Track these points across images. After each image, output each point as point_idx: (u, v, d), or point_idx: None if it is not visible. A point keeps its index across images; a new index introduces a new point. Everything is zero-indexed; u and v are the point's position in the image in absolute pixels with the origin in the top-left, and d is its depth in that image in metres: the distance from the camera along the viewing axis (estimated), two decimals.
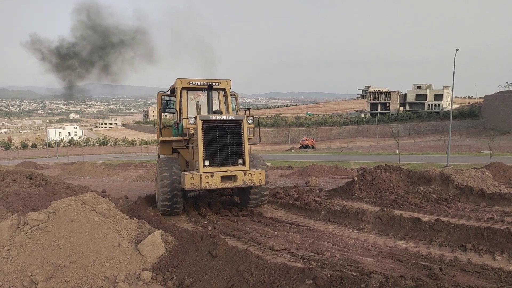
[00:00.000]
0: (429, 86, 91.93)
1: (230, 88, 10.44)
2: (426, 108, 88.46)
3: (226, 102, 10.29)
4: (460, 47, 22.87)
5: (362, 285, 3.67)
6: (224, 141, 8.19)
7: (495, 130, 54.52)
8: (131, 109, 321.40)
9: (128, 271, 4.72)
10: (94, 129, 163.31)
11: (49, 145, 76.76)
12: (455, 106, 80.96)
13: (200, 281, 4.43)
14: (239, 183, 8.06)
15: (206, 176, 7.77)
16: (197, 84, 9.91)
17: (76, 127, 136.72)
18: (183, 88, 9.95)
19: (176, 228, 6.33)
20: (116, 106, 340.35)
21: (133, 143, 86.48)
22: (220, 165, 8.15)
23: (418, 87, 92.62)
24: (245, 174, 8.10)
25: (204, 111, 10.07)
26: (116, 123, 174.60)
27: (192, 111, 10.17)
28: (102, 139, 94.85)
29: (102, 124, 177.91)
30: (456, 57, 22.13)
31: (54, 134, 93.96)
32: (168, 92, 10.98)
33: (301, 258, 5.47)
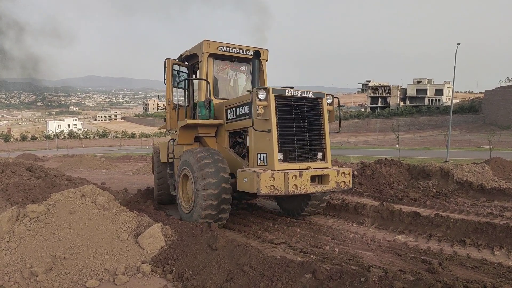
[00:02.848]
0: (429, 81, 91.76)
1: (267, 61, 8.19)
2: (426, 102, 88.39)
3: (254, 81, 7.18)
4: (461, 42, 22.79)
5: (361, 279, 3.67)
6: (301, 126, 6.18)
7: (495, 125, 54.51)
8: (130, 101, 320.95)
9: (128, 264, 4.72)
10: (93, 122, 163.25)
11: (48, 137, 76.73)
12: (455, 101, 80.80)
13: (200, 274, 4.44)
14: (331, 186, 6.07)
15: (294, 176, 5.64)
16: (231, 51, 7.67)
17: (76, 120, 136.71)
18: (211, 55, 7.62)
19: (176, 221, 6.33)
20: (115, 99, 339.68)
21: (132, 136, 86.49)
22: (298, 160, 6.14)
23: (419, 82, 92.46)
24: (338, 173, 6.16)
25: (224, 92, 7.94)
26: (116, 116, 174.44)
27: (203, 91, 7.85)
28: (102, 132, 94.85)
29: (101, 116, 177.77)
30: (457, 52, 22.05)
31: (53, 126, 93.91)
32: (183, 61, 8.58)
33: (300, 251, 5.49)
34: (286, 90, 6.04)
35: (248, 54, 7.88)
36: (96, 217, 5.17)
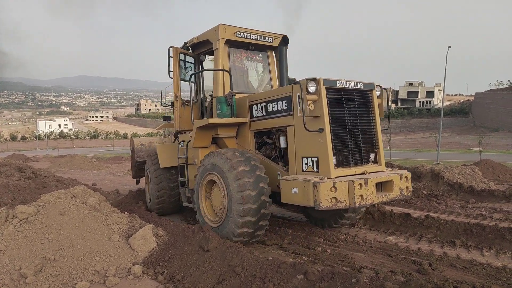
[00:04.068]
0: (421, 83, 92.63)
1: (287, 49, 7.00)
2: (417, 105, 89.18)
3: (283, 71, 6.43)
4: (452, 45, 23.05)
5: (352, 280, 3.69)
6: (354, 123, 5.38)
7: (485, 128, 55.20)
8: (122, 102, 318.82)
9: (119, 265, 4.69)
10: (85, 122, 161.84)
11: (39, 137, 75.89)
12: (446, 103, 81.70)
13: (191, 275, 4.43)
14: (395, 194, 5.25)
15: (359, 185, 4.78)
16: (249, 37, 6.77)
17: (67, 120, 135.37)
18: (226, 42, 6.66)
19: (167, 222, 6.30)
20: (107, 99, 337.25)
21: (124, 136, 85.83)
22: (353, 164, 5.32)
23: (410, 84, 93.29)
24: (401, 178, 5.37)
25: (241, 85, 6.99)
26: (108, 116, 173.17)
27: (209, 85, 7.05)
28: (93, 132, 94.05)
29: (93, 117, 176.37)
30: (448, 54, 22.31)
31: (44, 126, 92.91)
32: (188, 50, 7.45)
33: (292, 252, 5.50)
34: (337, 81, 5.20)
35: (267, 41, 7.04)
36: (87, 218, 5.12)
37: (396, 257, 5.27)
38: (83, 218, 5.09)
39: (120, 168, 23.33)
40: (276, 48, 7.11)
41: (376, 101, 5.63)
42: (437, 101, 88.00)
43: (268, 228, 6.89)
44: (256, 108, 6.26)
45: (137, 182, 10.41)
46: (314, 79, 5.03)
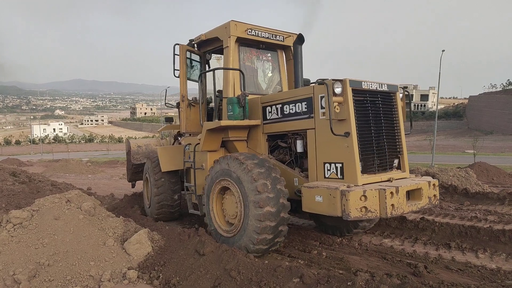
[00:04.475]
0: (415, 87, 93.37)
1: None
2: (412, 108, 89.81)
3: (298, 71, 6.22)
4: (446, 48, 23.27)
5: (348, 283, 3.70)
6: (377, 127, 5.13)
7: (479, 131, 55.62)
8: (118, 105, 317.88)
9: (114, 270, 4.66)
10: (80, 126, 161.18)
11: (33, 141, 75.45)
12: (440, 106, 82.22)
13: (187, 280, 4.41)
14: (423, 203, 4.98)
15: (391, 194, 4.47)
16: (260, 35, 6.49)
17: (62, 124, 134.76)
18: (237, 40, 6.37)
19: (163, 226, 6.27)
20: (102, 103, 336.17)
21: (120, 140, 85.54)
22: (378, 170, 5.06)
23: (405, 87, 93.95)
24: (429, 185, 5.09)
25: (251, 85, 6.66)
26: (103, 120, 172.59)
27: (213, 85, 6.74)
28: (88, 136, 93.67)
29: (88, 121, 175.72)
30: (442, 58, 22.48)
31: (38, 130, 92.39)
32: (195, 47, 7.13)
33: (288, 256, 5.50)
34: (362, 82, 4.96)
35: (278, 40, 6.78)
36: (82, 223, 5.09)
37: (391, 260, 5.28)
38: (77, 223, 5.07)
39: (115, 172, 23.23)
40: (286, 48, 6.99)
41: (399, 104, 5.46)
42: (432, 104, 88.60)
43: None
44: (270, 110, 5.97)
45: (133, 186, 10.23)
46: (340, 80, 4.78)
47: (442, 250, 5.73)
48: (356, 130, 4.77)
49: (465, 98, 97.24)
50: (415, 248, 5.82)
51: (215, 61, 7.51)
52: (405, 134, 5.58)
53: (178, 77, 7.02)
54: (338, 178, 4.88)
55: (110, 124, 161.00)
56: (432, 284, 4.10)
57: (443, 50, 23.21)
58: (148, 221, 7.08)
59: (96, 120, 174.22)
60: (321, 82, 4.96)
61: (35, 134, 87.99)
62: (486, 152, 25.94)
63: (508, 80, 71.71)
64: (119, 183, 16.93)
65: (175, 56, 6.89)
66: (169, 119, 8.92)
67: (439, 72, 22.53)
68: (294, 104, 5.55)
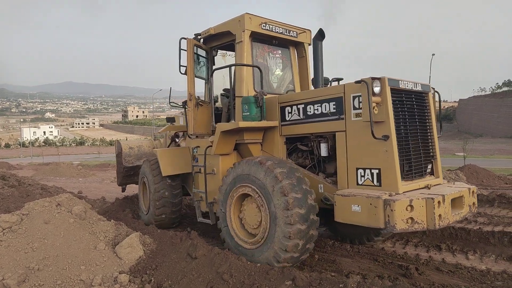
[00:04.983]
0: None
1: (310, 45, 6.46)
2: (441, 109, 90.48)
3: (318, 69, 5.86)
4: (435, 52, 23.59)
5: (340, 285, 3.71)
6: (413, 130, 4.79)
7: (469, 133, 56.30)
8: (109, 108, 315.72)
9: (105, 274, 4.62)
10: (70, 129, 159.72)
11: (23, 145, 74.59)
12: None
13: (179, 283, 4.39)
14: (465, 211, 4.65)
15: (438, 203, 4.11)
16: (274, 30, 6.06)
17: (52, 127, 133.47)
18: (251, 34, 5.89)
19: (155, 230, 6.24)
20: (94, 106, 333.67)
21: (111, 143, 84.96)
22: (415, 176, 4.70)
23: None
24: (469, 193, 4.79)
25: (264, 84, 6.02)
26: (94, 123, 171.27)
27: (218, 84, 6.39)
28: (79, 139, 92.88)
29: (79, 123, 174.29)
30: (432, 61, 22.77)
31: (28, 133, 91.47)
32: (201, 42, 6.53)
33: None
34: (400, 81, 4.58)
35: (291, 35, 6.37)
36: (72, 227, 5.04)
37: (383, 262, 5.32)
38: (68, 227, 5.01)
39: (106, 176, 23.05)
40: (298, 44, 6.65)
41: (432, 105, 5.12)
42: None
43: None
44: (290, 111, 5.53)
45: (123, 190, 9.92)
46: (378, 78, 4.38)
47: (433, 251, 5.79)
48: (396, 133, 4.41)
49: (454, 101, 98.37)
50: (406, 250, 5.87)
51: (220, 57, 7.08)
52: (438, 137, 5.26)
53: (184, 73, 6.50)
54: (374, 185, 4.47)
55: (102, 127, 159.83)
56: (423, 286, 4.14)
57: (433, 54, 23.56)
58: (139, 225, 7.03)
59: (87, 123, 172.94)
60: (358, 80, 4.53)
61: (25, 137, 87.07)
62: (475, 155, 26.25)
63: (497, 83, 72.81)
64: (110, 187, 16.80)
65: (180, 51, 6.33)
66: (171, 119, 8.47)
67: (429, 76, 22.84)
68: (319, 104, 5.12)
